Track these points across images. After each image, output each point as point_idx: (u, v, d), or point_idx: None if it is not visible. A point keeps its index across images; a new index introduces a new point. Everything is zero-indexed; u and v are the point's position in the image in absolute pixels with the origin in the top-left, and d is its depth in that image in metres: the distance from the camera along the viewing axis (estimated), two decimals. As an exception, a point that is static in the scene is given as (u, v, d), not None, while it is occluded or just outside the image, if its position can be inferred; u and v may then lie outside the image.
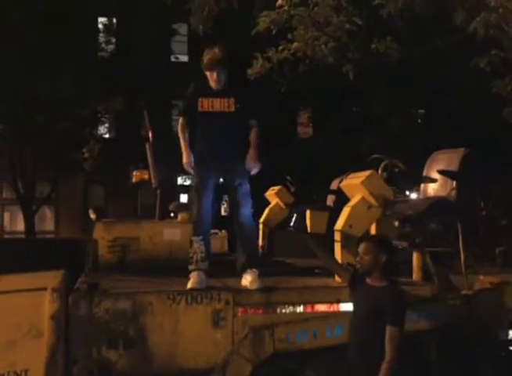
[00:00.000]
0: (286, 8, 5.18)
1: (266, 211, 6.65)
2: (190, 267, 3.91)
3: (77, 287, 3.60)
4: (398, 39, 5.23)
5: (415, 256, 4.36)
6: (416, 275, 4.35)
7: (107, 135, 16.70)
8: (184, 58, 18.08)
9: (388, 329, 3.16)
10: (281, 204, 6.51)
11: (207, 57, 3.93)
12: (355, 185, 4.27)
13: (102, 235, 4.80)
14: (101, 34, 16.02)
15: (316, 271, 4.89)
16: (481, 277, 4.47)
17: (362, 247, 3.38)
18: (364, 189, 4.14)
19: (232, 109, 3.97)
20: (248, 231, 4.04)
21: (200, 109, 3.98)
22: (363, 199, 4.19)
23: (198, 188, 4.01)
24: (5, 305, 3.44)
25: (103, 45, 15.71)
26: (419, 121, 18.06)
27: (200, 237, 3.94)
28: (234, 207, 3.99)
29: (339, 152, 13.76)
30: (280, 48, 5.54)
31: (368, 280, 3.38)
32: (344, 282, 3.72)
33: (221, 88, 3.98)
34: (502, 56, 5.53)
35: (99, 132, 15.52)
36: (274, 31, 5.20)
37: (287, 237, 6.29)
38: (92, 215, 4.95)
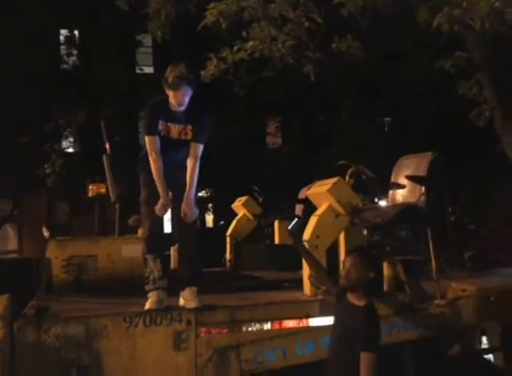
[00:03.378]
0: None
1: (233, 222, 6.43)
2: (147, 287, 3.65)
3: (23, 313, 3.31)
4: (361, 38, 5.08)
5: (385, 265, 4.21)
6: (387, 285, 4.19)
7: (71, 150, 16.24)
8: (149, 69, 17.81)
9: (361, 355, 2.91)
10: (248, 215, 6.31)
11: (172, 75, 3.60)
12: (321, 193, 4.10)
13: (56, 254, 4.50)
14: (62, 47, 15.63)
15: (285, 284, 4.70)
16: (454, 285, 4.35)
17: (349, 260, 3.10)
18: (331, 197, 3.98)
19: (189, 137, 3.73)
20: (190, 245, 3.75)
21: None
22: (330, 207, 4.02)
23: (148, 200, 3.69)
24: None
25: (65, 58, 15.31)
26: (386, 128, 18.18)
27: (155, 255, 3.67)
28: (178, 218, 3.71)
29: (307, 161, 13.67)
30: (235, 48, 5.28)
31: (349, 296, 3.14)
32: (330, 295, 3.44)
33: (181, 112, 3.69)
34: (466, 57, 5.46)
35: (62, 147, 15.04)
36: (224, 25, 4.92)
37: (255, 250, 6.09)
38: (46, 233, 4.66)
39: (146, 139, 3.68)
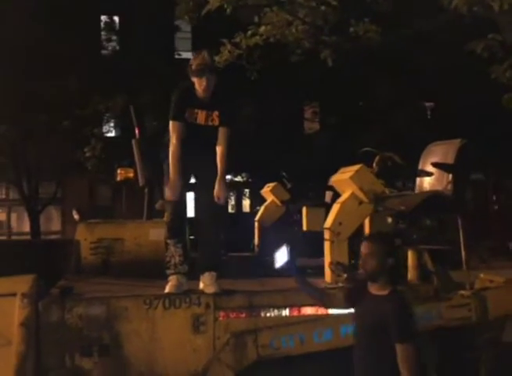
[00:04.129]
0: None
1: (261, 208, 6.45)
2: (168, 271, 3.71)
3: (48, 292, 3.43)
4: (380, 21, 4.89)
5: (410, 254, 4.13)
6: (411, 274, 4.12)
7: (113, 134, 16.52)
8: (188, 55, 17.90)
9: (398, 347, 2.68)
10: (277, 201, 6.30)
11: (195, 62, 3.66)
12: (344, 180, 4.06)
13: (85, 236, 4.64)
14: (103, 33, 15.89)
15: (308, 271, 4.68)
16: (482, 275, 4.23)
17: (365, 249, 2.87)
18: (353, 184, 3.93)
19: (216, 122, 3.76)
20: (211, 230, 3.80)
21: None
22: (353, 194, 3.98)
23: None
24: (-29, 313, 3.28)
25: (104, 43, 15.57)
26: (428, 113, 17.69)
27: (176, 240, 3.73)
28: (201, 204, 3.75)
29: (344, 147, 13.50)
30: (249, 33, 5.20)
31: (370, 288, 2.89)
32: (342, 305, 3.18)
33: (207, 99, 3.72)
34: (499, 40, 5.19)
35: (102, 131, 15.35)
36: (228, 11, 4.85)
37: (282, 236, 6.07)
38: (76, 216, 4.79)
39: (170, 123, 3.74)
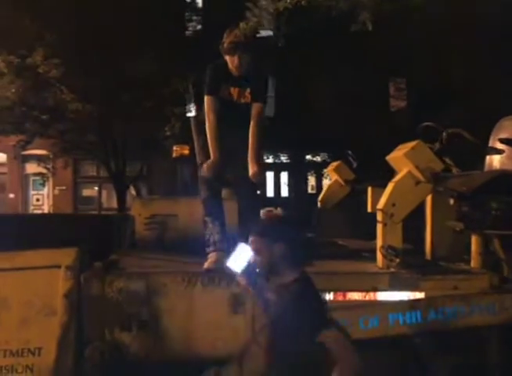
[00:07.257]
0: None
1: (325, 188, 6.22)
2: (208, 249, 3.65)
3: (90, 266, 3.48)
4: None
5: (473, 240, 3.76)
6: (474, 262, 3.76)
7: (193, 114, 16.71)
8: (269, 32, 17.68)
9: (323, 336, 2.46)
10: (340, 180, 6.03)
11: (227, 40, 3.62)
12: (399, 157, 3.74)
13: (140, 211, 4.69)
14: (186, 13, 16.04)
15: (365, 254, 4.43)
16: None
17: (251, 245, 2.70)
18: (408, 162, 3.61)
19: (249, 100, 3.70)
20: (249, 208, 3.68)
21: None
22: (409, 173, 3.66)
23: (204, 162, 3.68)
24: (19, 283, 3.40)
25: (187, 23, 15.74)
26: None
27: (213, 217, 3.67)
28: (237, 180, 3.65)
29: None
30: None
31: (277, 280, 2.68)
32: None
33: (241, 76, 3.65)
34: None
35: (184, 111, 15.57)
36: None
37: (344, 217, 5.83)
38: (133, 192, 4.84)
39: (206, 98, 3.70)
